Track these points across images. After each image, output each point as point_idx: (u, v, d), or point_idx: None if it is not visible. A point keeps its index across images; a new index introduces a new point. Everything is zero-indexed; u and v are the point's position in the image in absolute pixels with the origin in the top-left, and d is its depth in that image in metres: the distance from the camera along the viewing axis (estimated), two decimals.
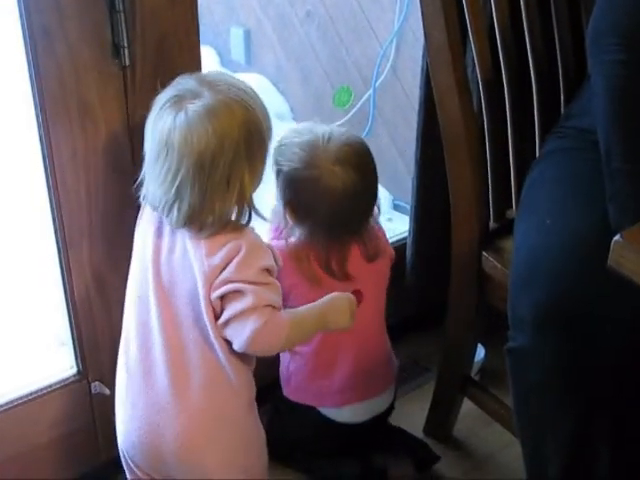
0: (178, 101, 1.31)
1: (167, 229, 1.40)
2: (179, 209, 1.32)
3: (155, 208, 1.37)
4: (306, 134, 1.59)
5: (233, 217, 1.37)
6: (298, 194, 1.58)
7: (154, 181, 1.34)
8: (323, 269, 1.62)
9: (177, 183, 1.31)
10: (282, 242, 1.61)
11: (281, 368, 1.77)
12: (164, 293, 1.39)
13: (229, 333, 1.37)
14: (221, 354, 1.40)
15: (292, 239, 1.62)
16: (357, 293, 1.60)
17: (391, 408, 1.84)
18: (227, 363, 1.41)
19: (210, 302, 1.36)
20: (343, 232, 1.63)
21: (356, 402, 1.74)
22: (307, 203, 1.59)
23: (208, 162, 1.29)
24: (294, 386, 1.76)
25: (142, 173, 1.38)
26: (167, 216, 1.35)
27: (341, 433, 1.77)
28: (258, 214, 1.39)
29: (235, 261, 1.34)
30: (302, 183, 1.56)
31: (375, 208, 1.68)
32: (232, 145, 1.30)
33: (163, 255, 1.40)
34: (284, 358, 1.75)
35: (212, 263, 1.34)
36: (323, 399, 1.74)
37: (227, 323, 1.37)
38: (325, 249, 1.62)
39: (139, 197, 1.40)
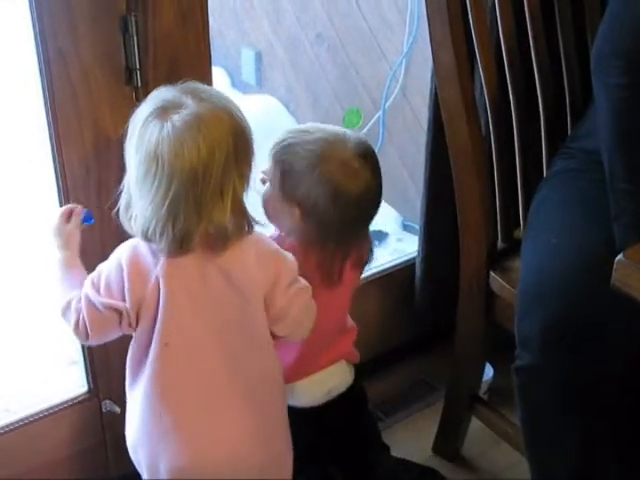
0: (162, 112, 1.25)
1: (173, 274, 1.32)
2: (173, 226, 1.25)
3: (144, 233, 1.28)
4: (317, 132, 1.49)
5: (230, 227, 1.31)
6: (313, 193, 1.45)
7: (143, 200, 1.27)
8: (323, 276, 1.52)
9: (169, 199, 1.24)
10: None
11: None
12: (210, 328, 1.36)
13: (288, 325, 1.40)
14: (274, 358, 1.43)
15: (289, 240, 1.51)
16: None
17: (355, 390, 1.68)
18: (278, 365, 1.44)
19: (264, 312, 1.37)
20: (352, 235, 1.53)
21: (304, 377, 1.60)
22: (324, 202, 1.46)
23: (201, 173, 1.23)
24: None
25: (124, 197, 1.32)
26: (160, 237, 1.27)
27: (302, 423, 1.58)
28: (253, 220, 1.34)
29: (282, 265, 1.36)
30: (319, 181, 1.45)
31: None
32: (223, 153, 1.24)
33: (192, 292, 1.33)
34: None
35: (256, 276, 1.34)
36: None
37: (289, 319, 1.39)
38: (331, 254, 1.51)
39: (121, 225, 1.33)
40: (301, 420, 1.55)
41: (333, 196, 1.44)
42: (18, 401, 1.67)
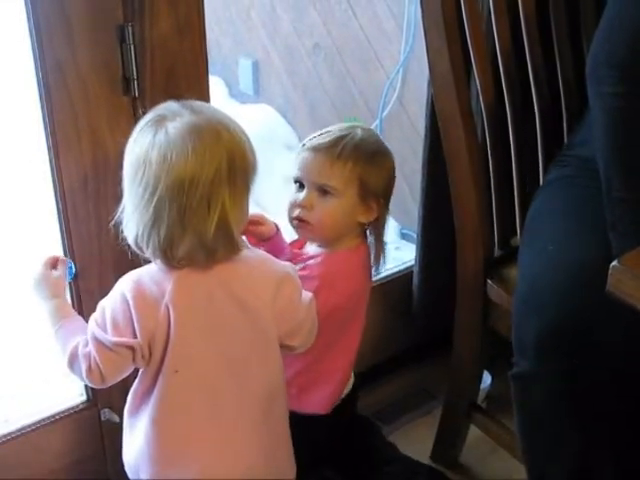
0: (159, 120, 1.25)
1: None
2: (158, 233, 1.24)
3: (134, 239, 1.27)
4: (351, 129, 1.53)
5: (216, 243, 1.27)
6: (391, 177, 1.52)
7: (131, 204, 1.26)
8: (370, 267, 1.56)
9: (154, 204, 1.22)
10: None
11: None
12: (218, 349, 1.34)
13: (304, 337, 1.41)
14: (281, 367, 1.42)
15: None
16: None
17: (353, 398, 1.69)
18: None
19: (275, 329, 1.36)
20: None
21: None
22: (393, 184, 1.53)
23: (187, 181, 1.21)
24: None
25: (121, 207, 1.30)
26: (147, 244, 1.26)
27: (313, 429, 1.58)
28: (239, 243, 1.31)
29: (291, 281, 1.37)
30: (384, 165, 1.51)
31: None
32: (213, 167, 1.22)
33: (201, 317, 1.32)
34: None
35: (264, 296, 1.33)
36: None
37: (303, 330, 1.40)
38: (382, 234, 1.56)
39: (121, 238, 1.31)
40: (312, 426, 1.56)
41: (391, 175, 1.51)
42: (17, 411, 1.67)
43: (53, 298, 1.39)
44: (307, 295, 1.40)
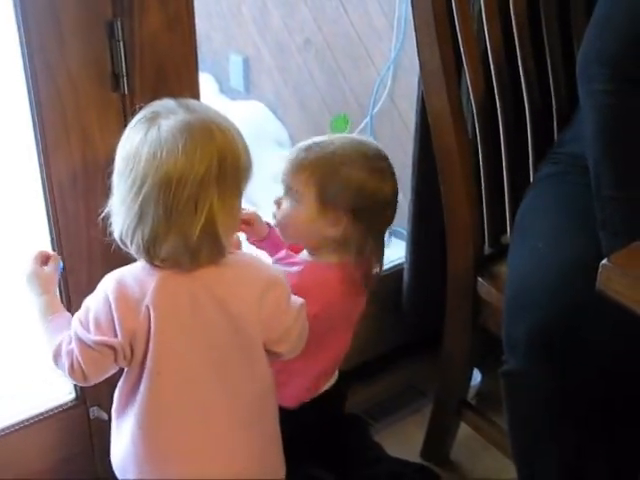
0: (153, 117, 1.24)
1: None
2: (143, 230, 1.23)
3: (120, 235, 1.26)
4: (335, 140, 1.50)
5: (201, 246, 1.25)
6: (362, 194, 1.45)
7: (118, 198, 1.25)
8: (349, 286, 1.51)
9: (140, 200, 1.21)
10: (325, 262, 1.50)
11: None
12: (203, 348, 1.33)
13: (292, 344, 1.39)
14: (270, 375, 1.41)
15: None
16: None
17: (339, 396, 1.68)
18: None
19: (261, 334, 1.35)
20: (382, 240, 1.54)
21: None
22: (372, 204, 1.46)
23: (175, 180, 1.20)
24: None
25: (109, 206, 1.29)
26: (131, 240, 1.25)
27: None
28: (225, 248, 1.28)
29: (280, 287, 1.35)
30: (365, 180, 1.45)
31: None
32: (203, 166, 1.20)
33: (183, 318, 1.31)
34: None
35: (249, 299, 1.32)
36: None
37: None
38: (366, 258, 1.51)
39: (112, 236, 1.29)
40: (285, 421, 1.52)
41: (380, 193, 1.45)
42: (4, 409, 1.66)
43: (43, 294, 1.39)
44: (297, 301, 1.38)
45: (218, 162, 1.22)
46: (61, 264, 1.45)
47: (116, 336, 1.28)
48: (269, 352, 1.38)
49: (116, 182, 1.26)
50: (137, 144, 1.23)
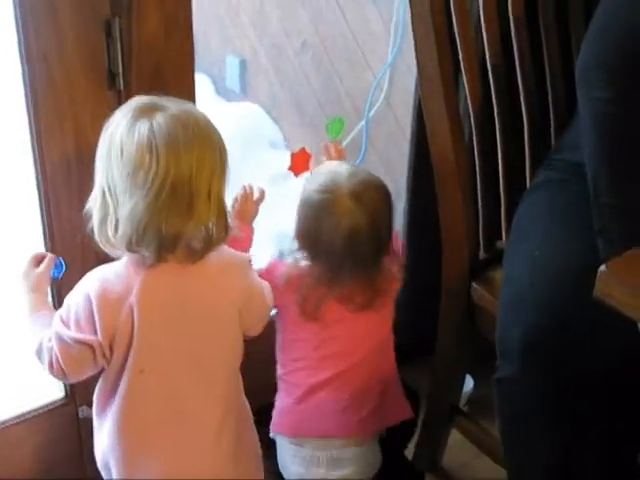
0: (147, 110, 1.23)
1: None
2: (166, 223, 1.22)
3: (129, 238, 1.24)
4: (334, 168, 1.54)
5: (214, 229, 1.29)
6: (307, 218, 1.48)
7: (131, 198, 1.23)
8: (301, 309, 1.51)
9: (164, 195, 1.21)
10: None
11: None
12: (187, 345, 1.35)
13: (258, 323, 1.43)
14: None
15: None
16: None
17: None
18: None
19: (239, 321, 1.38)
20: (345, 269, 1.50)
21: (307, 435, 1.55)
22: (312, 229, 1.48)
23: (195, 172, 1.21)
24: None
25: (99, 211, 1.28)
26: (151, 238, 1.23)
27: None
28: (229, 223, 1.31)
29: (250, 272, 1.39)
30: (314, 207, 1.48)
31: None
32: (215, 154, 1.24)
33: (167, 316, 1.32)
34: None
35: (227, 288, 1.35)
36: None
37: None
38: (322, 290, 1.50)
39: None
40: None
41: (321, 224, 1.46)
42: None
43: (31, 292, 1.40)
44: (263, 282, 1.43)
45: (220, 152, 1.26)
46: (63, 266, 1.45)
47: (96, 334, 1.28)
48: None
49: (126, 182, 1.23)
50: (147, 138, 1.21)
